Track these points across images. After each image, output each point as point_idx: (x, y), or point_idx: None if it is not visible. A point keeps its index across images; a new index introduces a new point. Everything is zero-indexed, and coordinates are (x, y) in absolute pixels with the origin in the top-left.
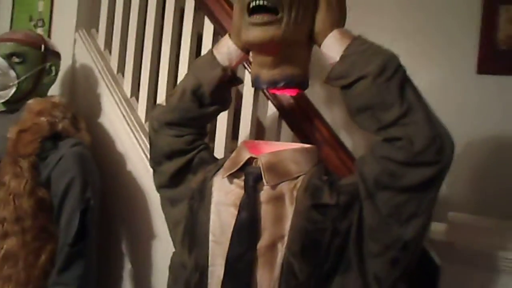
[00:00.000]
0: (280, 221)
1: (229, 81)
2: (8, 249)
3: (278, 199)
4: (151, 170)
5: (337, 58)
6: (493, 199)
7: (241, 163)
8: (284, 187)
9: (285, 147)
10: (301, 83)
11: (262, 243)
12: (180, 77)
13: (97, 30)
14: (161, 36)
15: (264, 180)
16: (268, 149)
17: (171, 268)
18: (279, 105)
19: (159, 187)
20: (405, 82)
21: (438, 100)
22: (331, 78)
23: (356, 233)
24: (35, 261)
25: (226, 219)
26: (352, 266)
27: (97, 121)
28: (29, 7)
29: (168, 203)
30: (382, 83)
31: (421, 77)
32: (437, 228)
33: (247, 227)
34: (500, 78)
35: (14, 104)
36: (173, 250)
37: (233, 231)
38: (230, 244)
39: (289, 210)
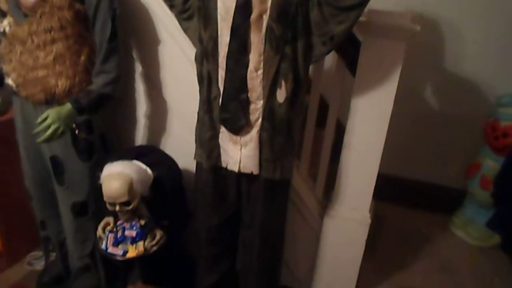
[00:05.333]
0: (264, 1)
1: None
2: (57, 52)
3: None
4: None
5: None
6: None
7: None
8: None
9: None
10: None
11: (253, 15)
12: None
13: None
14: None
15: None
16: None
17: (196, 59)
18: None
19: (177, 15)
20: None
21: None
22: None
23: (306, 19)
24: (77, 60)
25: (229, 4)
26: (302, 37)
27: None
28: None
29: (185, 21)
30: None
31: None
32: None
33: (243, 7)
34: None
35: None
36: (175, 54)
37: (234, 10)
38: (233, 19)
39: None
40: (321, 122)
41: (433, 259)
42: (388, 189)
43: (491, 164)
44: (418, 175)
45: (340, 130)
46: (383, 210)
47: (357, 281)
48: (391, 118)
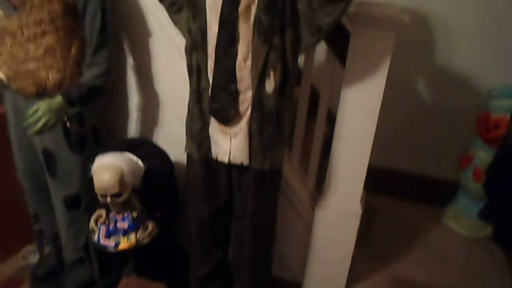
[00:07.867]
0: None
1: None
2: (47, 45)
3: None
4: None
5: None
6: None
7: None
8: None
9: None
10: None
11: (241, 6)
12: None
13: None
14: None
15: None
16: None
17: (186, 50)
18: None
19: (167, 7)
20: None
21: None
22: None
23: (294, 10)
24: (68, 52)
25: None
26: (290, 27)
27: None
28: None
29: (175, 14)
30: None
31: None
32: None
33: None
34: None
35: None
36: (166, 47)
37: (222, 1)
38: (221, 9)
39: None
40: (314, 114)
41: (426, 250)
42: (381, 182)
43: (483, 156)
44: (411, 168)
45: (333, 122)
46: (375, 202)
47: (349, 272)
48: (384, 111)
